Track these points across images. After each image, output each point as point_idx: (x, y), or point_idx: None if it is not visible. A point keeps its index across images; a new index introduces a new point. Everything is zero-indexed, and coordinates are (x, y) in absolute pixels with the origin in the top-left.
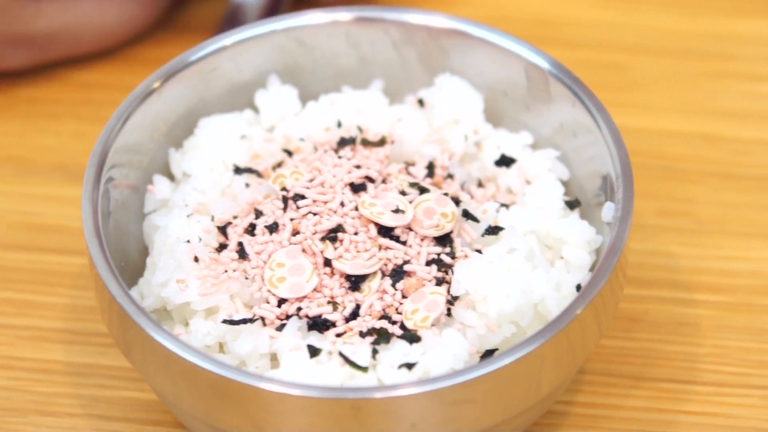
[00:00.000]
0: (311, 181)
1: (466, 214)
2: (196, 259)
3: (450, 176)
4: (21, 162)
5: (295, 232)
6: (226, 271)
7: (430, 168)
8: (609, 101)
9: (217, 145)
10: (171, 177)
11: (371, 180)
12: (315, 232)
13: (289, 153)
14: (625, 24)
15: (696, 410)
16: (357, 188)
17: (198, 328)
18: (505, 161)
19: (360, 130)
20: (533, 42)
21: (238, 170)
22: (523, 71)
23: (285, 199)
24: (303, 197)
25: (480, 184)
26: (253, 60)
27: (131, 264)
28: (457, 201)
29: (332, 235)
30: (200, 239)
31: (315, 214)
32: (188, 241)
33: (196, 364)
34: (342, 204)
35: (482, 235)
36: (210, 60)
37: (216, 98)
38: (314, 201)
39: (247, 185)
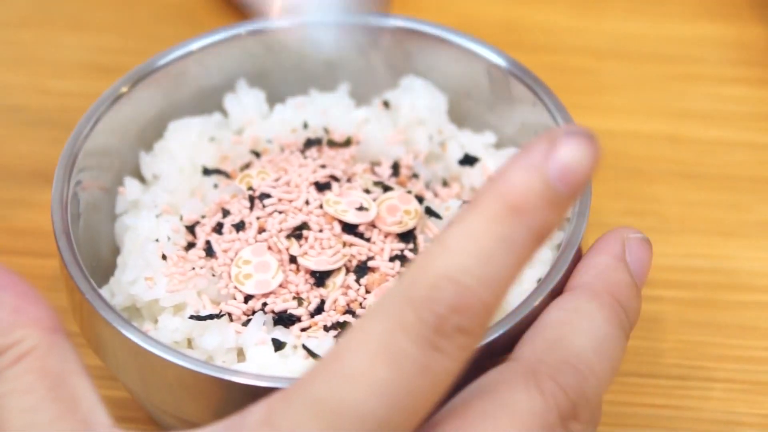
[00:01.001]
0: (277, 180)
1: (429, 212)
2: (165, 257)
3: (415, 176)
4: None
5: (261, 230)
6: (193, 268)
7: (396, 168)
8: (575, 104)
9: (186, 148)
10: (142, 179)
11: (336, 179)
12: (280, 230)
13: (257, 154)
14: (590, 29)
15: (659, 403)
16: (322, 187)
17: (166, 324)
18: (468, 160)
19: (326, 131)
20: (501, 47)
21: (206, 171)
22: (485, 72)
23: (251, 199)
24: (269, 196)
25: (445, 183)
26: (221, 64)
27: (103, 264)
28: (420, 199)
29: (297, 232)
30: (169, 238)
31: (280, 213)
32: (157, 240)
33: (164, 358)
34: (307, 202)
35: None
36: (178, 64)
37: (185, 102)
38: (280, 200)
39: (216, 186)
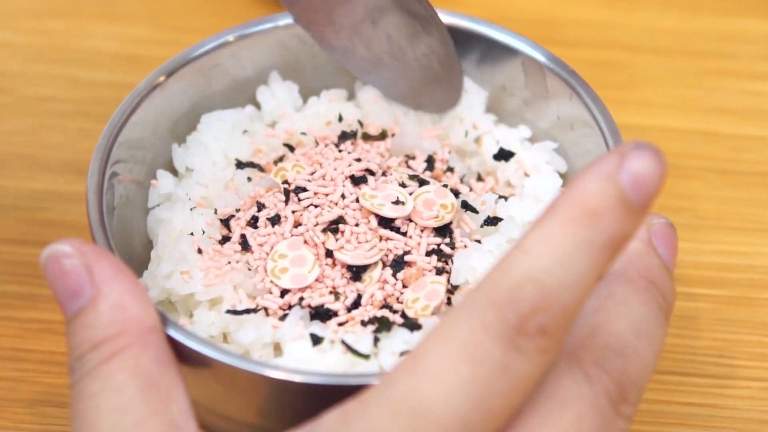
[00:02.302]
0: (312, 174)
1: (466, 206)
2: (200, 251)
3: (450, 169)
4: (30, 159)
5: (297, 224)
6: (229, 262)
7: (430, 161)
8: (610, 99)
9: (219, 141)
10: (174, 172)
11: (371, 173)
12: (316, 224)
13: (291, 147)
14: (625, 23)
15: (696, 402)
16: (357, 181)
17: (202, 318)
18: (503, 155)
19: (361, 124)
20: (535, 41)
21: (240, 164)
22: (521, 66)
23: (287, 192)
24: (304, 190)
25: (479, 178)
26: (255, 56)
27: (136, 258)
28: (456, 193)
29: (333, 226)
30: (203, 232)
31: (316, 206)
32: (192, 234)
33: (201, 352)
34: (343, 196)
35: (481, 226)
36: (211, 56)
37: (218, 94)
38: (315, 193)
39: (250, 179)
